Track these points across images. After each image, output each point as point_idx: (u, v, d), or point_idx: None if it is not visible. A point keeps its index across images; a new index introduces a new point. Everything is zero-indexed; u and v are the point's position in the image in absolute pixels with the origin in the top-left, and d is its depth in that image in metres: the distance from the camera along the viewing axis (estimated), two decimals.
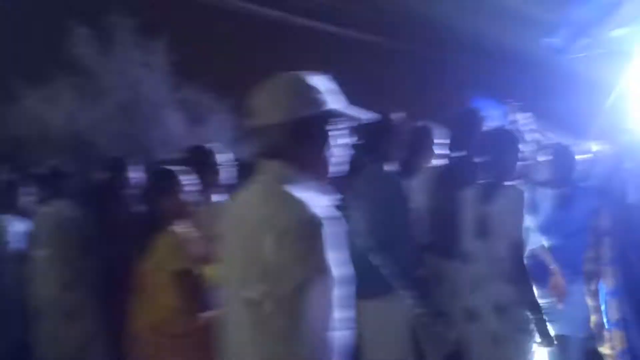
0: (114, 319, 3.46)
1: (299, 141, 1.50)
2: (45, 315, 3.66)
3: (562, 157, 3.63)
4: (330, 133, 1.53)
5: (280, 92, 1.52)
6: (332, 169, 1.55)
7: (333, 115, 1.53)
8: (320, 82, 1.53)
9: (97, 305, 3.66)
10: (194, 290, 2.44)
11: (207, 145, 3.18)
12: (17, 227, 4.31)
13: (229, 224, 1.57)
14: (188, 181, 2.64)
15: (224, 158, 3.16)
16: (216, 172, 3.08)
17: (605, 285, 2.91)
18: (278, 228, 1.36)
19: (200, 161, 3.01)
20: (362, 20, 14.30)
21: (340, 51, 14.95)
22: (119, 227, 3.77)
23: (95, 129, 13.76)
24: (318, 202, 1.43)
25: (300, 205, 1.39)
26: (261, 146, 1.53)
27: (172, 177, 2.61)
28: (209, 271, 2.50)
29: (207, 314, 2.47)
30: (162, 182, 2.63)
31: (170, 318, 2.44)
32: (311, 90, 1.50)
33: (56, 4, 14.23)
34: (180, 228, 2.54)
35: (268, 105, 1.51)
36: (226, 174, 3.17)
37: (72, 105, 13.76)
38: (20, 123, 13.83)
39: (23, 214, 4.33)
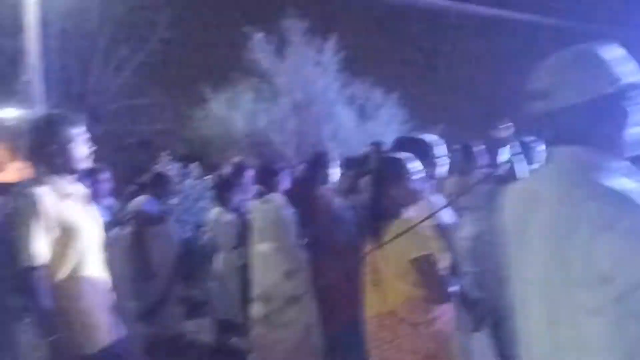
0: (336, 305, 3.64)
1: (599, 122, 1.34)
2: (268, 301, 3.93)
3: None
4: (632, 109, 1.36)
5: (575, 70, 1.37)
6: (634, 149, 1.38)
7: (634, 88, 1.35)
8: (614, 53, 1.37)
9: (317, 292, 3.85)
10: (434, 278, 2.43)
11: (424, 137, 3.15)
12: (228, 219, 4.69)
13: (517, 216, 1.47)
14: (415, 169, 2.64)
15: (439, 150, 3.11)
16: (433, 164, 3.05)
17: None
18: (613, 229, 1.21)
19: (418, 152, 2.98)
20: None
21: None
22: (329, 218, 3.94)
23: (271, 127, 14.64)
24: (636, 190, 1.27)
25: (628, 199, 1.23)
26: (555, 131, 1.41)
27: (402, 164, 2.62)
28: (443, 259, 2.48)
29: (447, 302, 2.47)
30: (392, 169, 2.64)
31: (411, 306, 2.44)
32: (607, 64, 1.35)
33: (235, 13, 15.38)
34: (413, 216, 2.53)
35: (561, 85, 1.37)
36: (442, 165, 3.13)
37: (251, 106, 14.79)
38: (207, 124, 15.21)
39: (237, 208, 4.69)
